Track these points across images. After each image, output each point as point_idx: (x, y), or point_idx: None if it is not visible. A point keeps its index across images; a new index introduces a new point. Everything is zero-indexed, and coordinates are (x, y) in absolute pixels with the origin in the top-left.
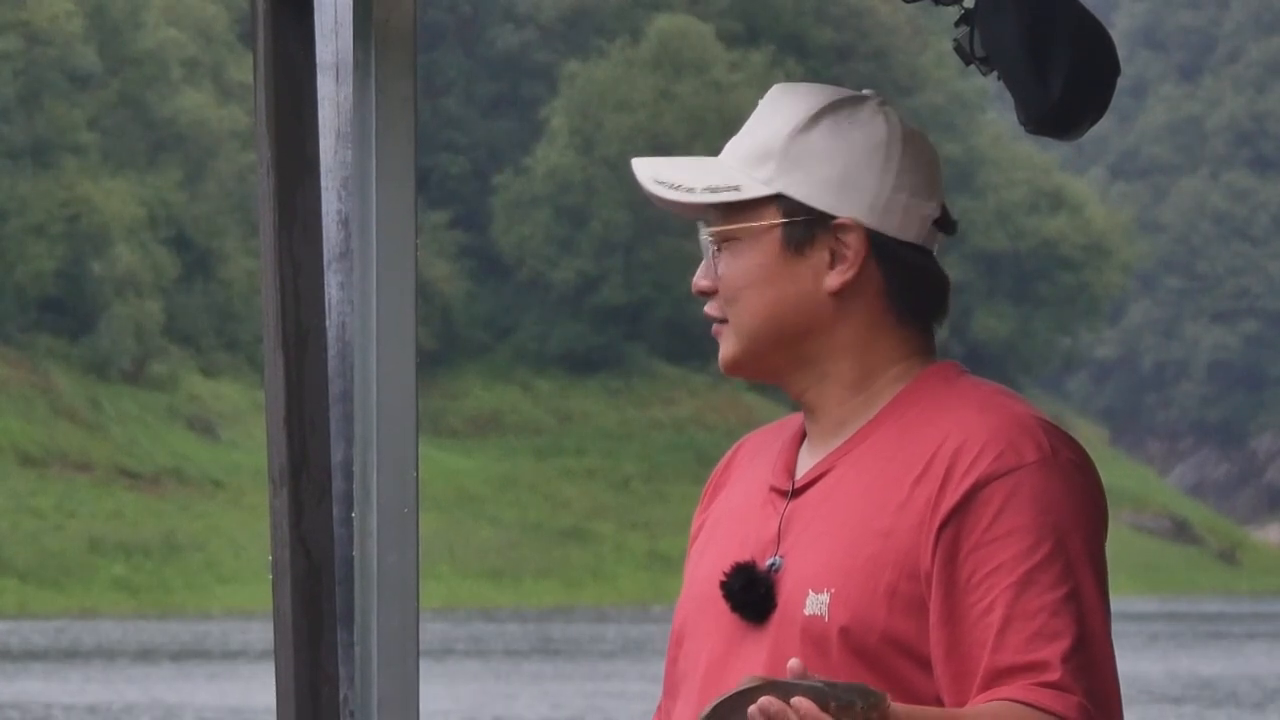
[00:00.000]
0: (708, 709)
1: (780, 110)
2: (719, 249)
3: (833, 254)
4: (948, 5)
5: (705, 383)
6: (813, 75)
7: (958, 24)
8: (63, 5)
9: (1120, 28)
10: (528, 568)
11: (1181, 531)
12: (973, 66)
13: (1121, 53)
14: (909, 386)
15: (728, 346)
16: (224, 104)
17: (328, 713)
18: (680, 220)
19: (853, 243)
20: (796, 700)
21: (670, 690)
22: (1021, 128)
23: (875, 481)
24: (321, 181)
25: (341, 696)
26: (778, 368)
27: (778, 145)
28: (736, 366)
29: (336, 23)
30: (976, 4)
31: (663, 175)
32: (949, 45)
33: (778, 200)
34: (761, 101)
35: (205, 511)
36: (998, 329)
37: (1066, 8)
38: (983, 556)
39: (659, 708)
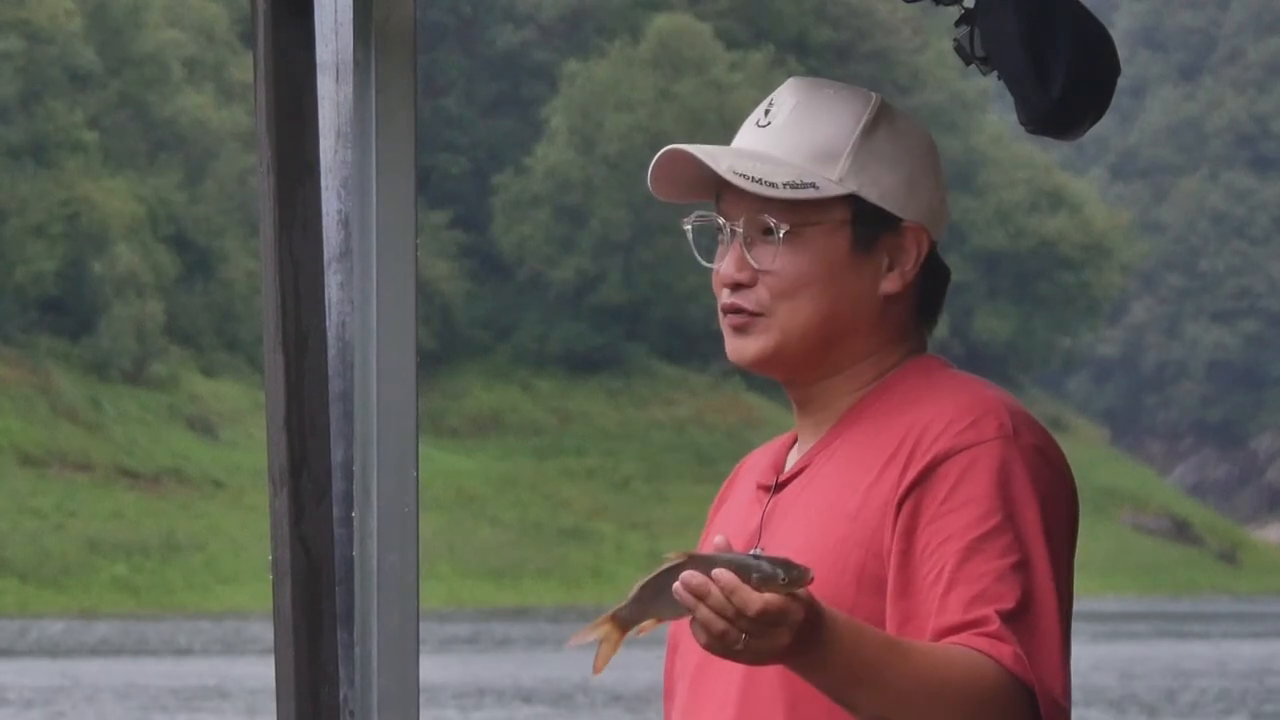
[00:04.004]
0: (632, 591)
1: (833, 109)
2: (775, 243)
3: (891, 257)
4: (948, 5)
5: (705, 383)
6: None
7: (958, 24)
8: (63, 5)
9: (1120, 28)
10: (528, 568)
11: (1182, 531)
12: (973, 66)
13: (1121, 53)
14: (893, 377)
15: (763, 340)
16: (225, 104)
17: (328, 713)
18: (680, 219)
19: (916, 247)
20: (718, 572)
21: (669, 694)
22: (1021, 128)
23: (851, 468)
24: (321, 181)
25: (341, 696)
26: (808, 365)
27: (845, 146)
28: (768, 361)
29: (336, 23)
30: (976, 4)
31: (740, 167)
32: (949, 45)
33: (849, 200)
34: (786, 95)
35: (205, 511)
36: (998, 329)
37: (1066, 8)
38: (936, 528)
39: (665, 714)
